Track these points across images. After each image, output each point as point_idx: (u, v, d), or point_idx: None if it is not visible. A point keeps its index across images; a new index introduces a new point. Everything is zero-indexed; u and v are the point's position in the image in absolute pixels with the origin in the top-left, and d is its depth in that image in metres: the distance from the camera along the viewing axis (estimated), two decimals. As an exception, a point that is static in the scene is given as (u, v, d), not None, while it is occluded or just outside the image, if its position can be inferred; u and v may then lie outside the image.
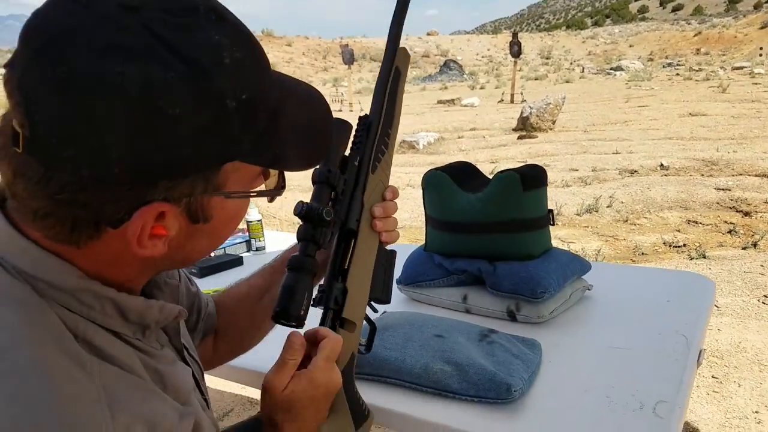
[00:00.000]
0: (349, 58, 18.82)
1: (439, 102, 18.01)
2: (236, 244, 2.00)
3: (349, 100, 17.98)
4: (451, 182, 1.44)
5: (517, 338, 1.25)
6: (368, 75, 36.64)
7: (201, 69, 0.54)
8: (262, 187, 0.70)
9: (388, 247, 0.97)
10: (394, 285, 1.52)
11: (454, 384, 1.09)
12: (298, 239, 0.85)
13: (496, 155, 8.82)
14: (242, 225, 2.08)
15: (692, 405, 2.51)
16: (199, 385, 0.81)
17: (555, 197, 6.07)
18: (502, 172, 1.40)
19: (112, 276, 0.63)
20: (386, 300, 0.97)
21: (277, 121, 0.63)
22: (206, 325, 1.01)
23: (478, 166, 1.54)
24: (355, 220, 0.91)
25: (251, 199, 0.69)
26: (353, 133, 0.92)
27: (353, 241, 0.91)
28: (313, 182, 0.86)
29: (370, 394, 1.12)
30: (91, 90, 0.50)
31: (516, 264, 1.39)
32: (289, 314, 0.81)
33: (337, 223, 0.89)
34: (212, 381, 1.77)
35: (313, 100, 0.72)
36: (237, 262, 1.89)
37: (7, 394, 0.52)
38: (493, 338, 1.22)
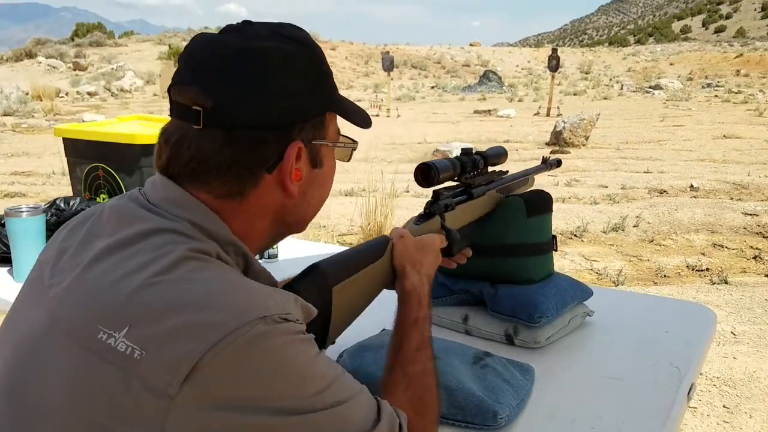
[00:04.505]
0: (388, 65, 18.92)
1: (476, 112, 18.01)
2: (251, 251, 2.04)
3: (387, 106, 18.03)
4: (456, 204, 1.46)
5: (512, 362, 1.26)
6: (408, 82, 36.71)
7: (304, 44, 0.83)
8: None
9: None
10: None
11: (442, 408, 1.11)
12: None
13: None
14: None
15: (701, 434, 2.49)
16: None
17: (582, 214, 6.05)
18: (507, 196, 1.43)
19: (251, 232, 0.84)
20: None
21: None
22: None
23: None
24: None
25: None
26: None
27: None
28: None
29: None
30: (256, 58, 0.77)
31: (517, 288, 1.41)
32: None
33: None
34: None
35: None
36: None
37: (208, 274, 0.72)
38: (488, 362, 1.24)
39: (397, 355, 0.96)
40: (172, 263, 0.70)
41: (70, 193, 2.35)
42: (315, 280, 0.91)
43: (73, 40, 43.47)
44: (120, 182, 2.22)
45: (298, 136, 0.81)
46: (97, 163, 2.31)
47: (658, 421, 1.10)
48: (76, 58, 34.09)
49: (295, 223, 0.91)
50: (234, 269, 0.78)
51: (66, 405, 0.66)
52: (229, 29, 0.82)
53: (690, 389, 1.22)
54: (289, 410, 0.68)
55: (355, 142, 0.94)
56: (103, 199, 2.27)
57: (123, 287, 0.68)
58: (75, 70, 31.81)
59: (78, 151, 2.42)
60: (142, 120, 2.59)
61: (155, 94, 22.56)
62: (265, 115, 0.78)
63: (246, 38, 0.78)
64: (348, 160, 0.96)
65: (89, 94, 24.03)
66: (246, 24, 0.82)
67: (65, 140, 2.47)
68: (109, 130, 2.34)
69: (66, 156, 2.50)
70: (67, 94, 23.77)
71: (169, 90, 0.80)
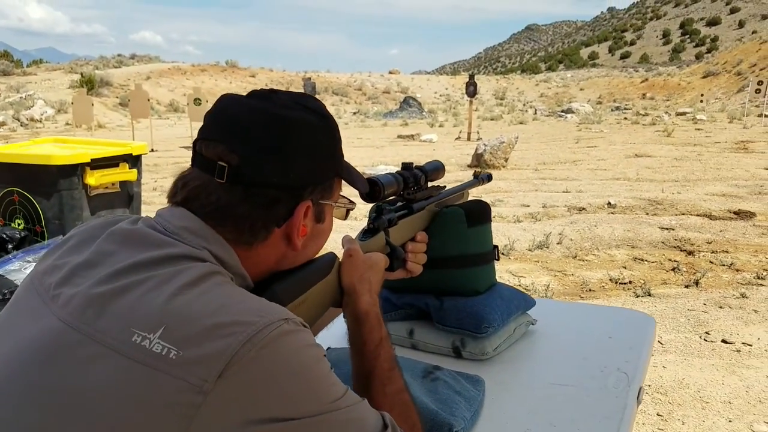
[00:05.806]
0: (311, 90, 18.98)
1: (399, 137, 18.20)
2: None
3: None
4: (397, 216, 1.44)
5: (462, 375, 1.24)
6: (330, 108, 36.40)
7: (324, 116, 0.92)
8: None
9: None
10: (341, 319, 1.51)
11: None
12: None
13: (450, 191, 8.89)
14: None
15: (637, 442, 2.53)
16: None
17: (508, 232, 6.15)
18: (447, 207, 1.41)
19: (251, 276, 0.88)
20: None
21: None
22: None
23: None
24: None
25: None
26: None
27: None
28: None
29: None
30: (283, 126, 0.85)
31: (462, 299, 1.39)
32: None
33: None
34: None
35: None
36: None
37: (231, 289, 0.78)
38: (438, 375, 1.21)
39: (372, 379, 0.96)
40: (198, 277, 0.75)
41: (-19, 221, 2.19)
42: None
43: (-24, 69, 41.53)
44: (37, 206, 2.08)
45: (309, 196, 0.89)
46: (12, 188, 2.17)
47: (612, 426, 1.09)
48: (-20, 87, 32.48)
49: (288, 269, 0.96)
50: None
51: (94, 409, 0.67)
52: (256, 95, 0.90)
53: (639, 392, 1.23)
54: (313, 412, 0.73)
55: (353, 203, 1.01)
56: (19, 224, 2.12)
57: (154, 297, 0.72)
58: (-21, 99, 30.27)
59: (-11, 175, 2.27)
60: (58, 141, 2.46)
61: (68, 123, 21.68)
62: (285, 177, 0.85)
63: (274, 106, 0.86)
64: (344, 219, 1.03)
65: (-4, 124, 22.89)
66: (272, 92, 0.90)
67: (-25, 165, 2.30)
68: (24, 152, 2.21)
69: (-24, 182, 2.34)
70: (-29, 124, 22.56)
71: (194, 143, 0.86)
